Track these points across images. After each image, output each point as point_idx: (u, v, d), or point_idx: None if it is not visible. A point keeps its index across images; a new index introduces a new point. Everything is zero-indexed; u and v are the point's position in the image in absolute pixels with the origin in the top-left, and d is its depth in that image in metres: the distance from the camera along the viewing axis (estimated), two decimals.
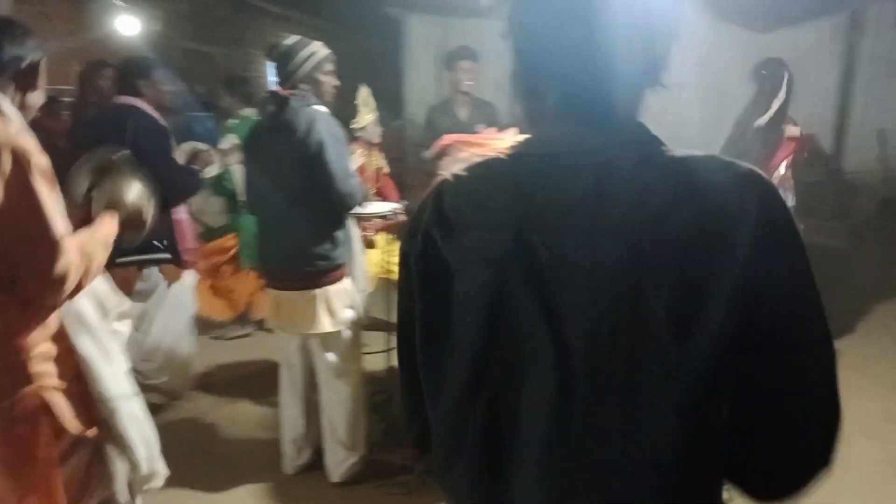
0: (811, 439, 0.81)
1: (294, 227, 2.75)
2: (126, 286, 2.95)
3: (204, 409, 3.72)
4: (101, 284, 1.95)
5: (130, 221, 2.00)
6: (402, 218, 3.68)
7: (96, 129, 3.30)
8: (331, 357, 2.90)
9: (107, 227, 1.89)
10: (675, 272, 0.74)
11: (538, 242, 0.81)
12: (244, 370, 4.19)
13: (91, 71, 4.15)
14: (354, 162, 3.28)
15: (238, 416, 3.62)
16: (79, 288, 1.67)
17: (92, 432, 1.86)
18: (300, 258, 2.77)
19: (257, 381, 3.99)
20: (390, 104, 4.27)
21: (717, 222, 0.74)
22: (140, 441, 2.01)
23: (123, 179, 2.01)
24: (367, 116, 4.22)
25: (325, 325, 2.82)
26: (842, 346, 3.30)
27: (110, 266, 1.90)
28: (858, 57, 5.67)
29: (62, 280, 1.59)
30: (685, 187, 0.76)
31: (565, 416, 0.79)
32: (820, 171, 6.13)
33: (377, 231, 3.78)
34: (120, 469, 2.00)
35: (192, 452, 3.24)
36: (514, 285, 0.82)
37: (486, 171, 0.91)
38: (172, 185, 3.19)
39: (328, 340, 2.88)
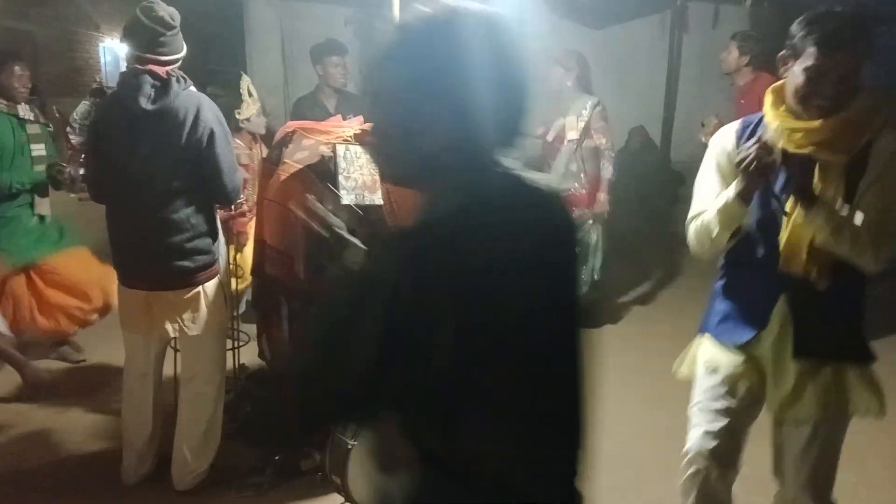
0: None
1: (171, 220, 2.52)
2: None
3: (31, 419, 3.39)
4: None
5: None
6: (243, 209, 3.53)
7: None
8: (202, 361, 2.72)
9: None
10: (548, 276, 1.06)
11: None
12: (75, 375, 3.88)
13: None
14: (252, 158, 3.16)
15: (69, 426, 3.33)
16: None
17: None
18: (178, 254, 2.55)
19: (90, 387, 3.71)
20: (236, 89, 4.10)
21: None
22: None
23: None
24: (251, 106, 4.03)
25: (208, 324, 2.64)
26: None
27: None
28: (681, 54, 6.10)
29: None
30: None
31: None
32: (653, 160, 6.58)
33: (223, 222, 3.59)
34: None
35: (21, 467, 2.98)
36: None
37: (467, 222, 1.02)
38: None
39: (201, 343, 2.68)
